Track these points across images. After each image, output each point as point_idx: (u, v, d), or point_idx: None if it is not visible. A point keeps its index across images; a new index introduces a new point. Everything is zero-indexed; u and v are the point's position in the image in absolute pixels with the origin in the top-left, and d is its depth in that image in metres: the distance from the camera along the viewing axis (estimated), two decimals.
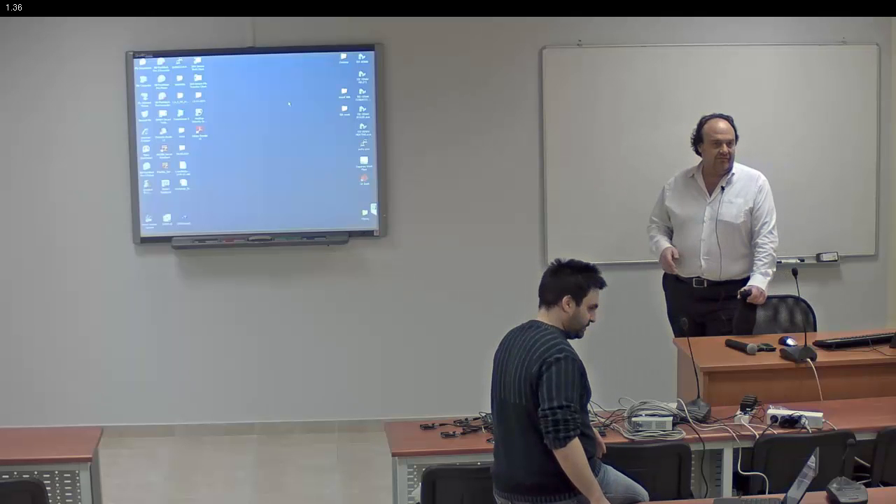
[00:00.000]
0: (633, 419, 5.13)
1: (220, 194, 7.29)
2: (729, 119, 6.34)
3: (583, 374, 4.54)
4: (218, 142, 7.25)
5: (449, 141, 7.39)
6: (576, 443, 4.42)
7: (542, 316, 4.68)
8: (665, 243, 6.45)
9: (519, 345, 4.61)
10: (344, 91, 7.27)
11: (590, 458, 4.51)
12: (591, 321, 4.71)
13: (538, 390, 4.46)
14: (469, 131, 7.38)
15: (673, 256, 6.38)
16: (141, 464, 6.99)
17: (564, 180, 7.40)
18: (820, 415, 5.16)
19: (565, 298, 4.62)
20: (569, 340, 4.64)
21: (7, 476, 5.04)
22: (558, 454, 4.43)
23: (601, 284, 4.71)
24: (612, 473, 4.69)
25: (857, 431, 5.04)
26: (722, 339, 6.09)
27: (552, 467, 4.48)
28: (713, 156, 6.30)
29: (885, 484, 4.97)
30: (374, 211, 7.36)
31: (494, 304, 7.41)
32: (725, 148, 6.27)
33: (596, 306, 4.70)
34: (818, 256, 7.52)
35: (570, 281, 4.64)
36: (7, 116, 7.18)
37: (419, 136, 7.37)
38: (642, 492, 4.74)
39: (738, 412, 5.26)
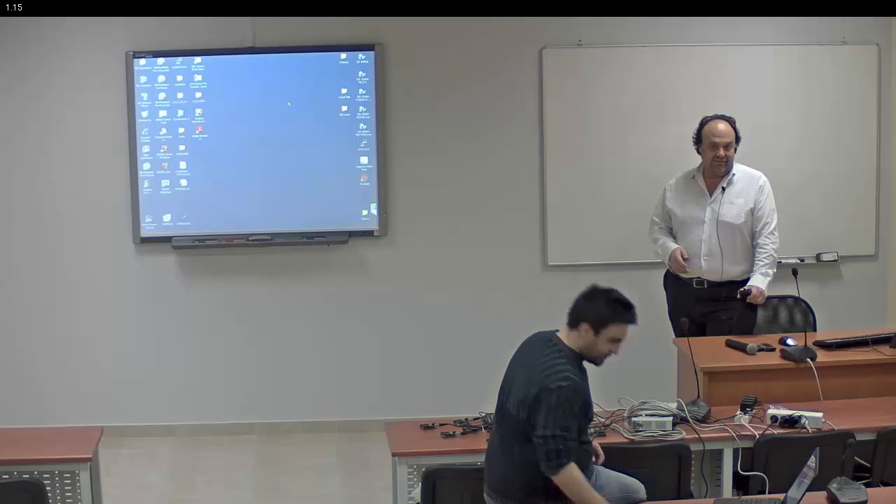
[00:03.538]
0: (633, 419, 5.14)
1: (220, 194, 7.29)
2: (730, 121, 6.31)
3: (585, 404, 4.49)
4: (218, 142, 7.25)
5: (449, 141, 7.39)
6: (570, 468, 4.40)
7: (564, 332, 4.61)
8: (672, 244, 6.43)
9: (531, 358, 4.56)
10: (344, 91, 7.27)
11: (584, 470, 4.51)
12: (613, 353, 4.60)
13: (535, 413, 4.43)
14: (469, 131, 7.38)
15: (683, 256, 6.36)
16: (141, 464, 6.99)
17: (564, 180, 7.40)
18: (820, 415, 5.16)
19: (584, 326, 4.54)
20: (585, 364, 4.59)
21: (7, 476, 5.05)
22: (555, 480, 4.42)
23: (629, 321, 4.57)
24: (605, 473, 4.70)
25: (857, 431, 5.04)
26: (722, 339, 6.09)
27: (542, 479, 4.49)
28: (710, 158, 6.29)
29: (885, 484, 4.97)
30: (374, 211, 7.36)
31: (494, 304, 7.42)
32: (722, 151, 6.25)
33: (619, 341, 4.57)
34: (818, 256, 7.52)
35: (595, 310, 4.54)
36: (7, 116, 7.18)
37: (419, 136, 7.37)
38: (638, 486, 4.74)
39: (738, 412, 5.26)
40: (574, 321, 4.58)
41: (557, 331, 4.64)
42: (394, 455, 5.14)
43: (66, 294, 7.33)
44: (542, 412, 4.39)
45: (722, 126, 6.27)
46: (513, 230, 7.46)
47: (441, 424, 5.30)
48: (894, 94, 7.46)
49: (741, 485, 5.11)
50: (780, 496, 4.40)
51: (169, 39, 7.15)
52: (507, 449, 4.58)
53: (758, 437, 5.06)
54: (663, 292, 6.67)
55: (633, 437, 5.07)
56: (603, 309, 4.54)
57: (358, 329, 7.49)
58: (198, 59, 7.19)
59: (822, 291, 7.42)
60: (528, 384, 4.48)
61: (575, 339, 4.57)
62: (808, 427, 5.10)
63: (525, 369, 4.55)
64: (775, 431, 5.10)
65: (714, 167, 6.31)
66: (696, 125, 6.38)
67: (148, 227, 7.27)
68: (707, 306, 6.38)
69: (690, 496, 4.99)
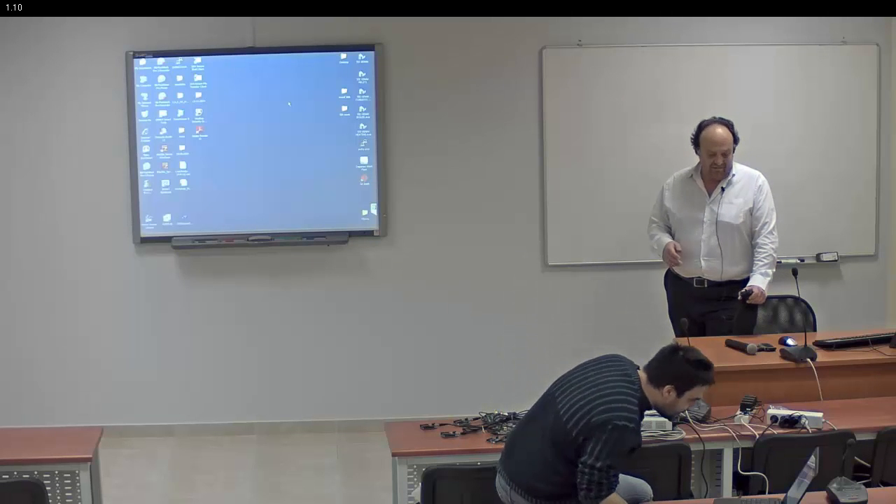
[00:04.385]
0: None
1: (220, 194, 7.29)
2: (728, 125, 6.27)
3: (633, 449, 4.50)
4: (218, 142, 7.25)
5: (449, 141, 7.39)
6: (610, 499, 4.41)
7: (643, 377, 4.57)
8: (667, 238, 6.43)
9: (605, 380, 4.53)
10: (344, 91, 7.27)
11: None
12: (687, 410, 4.70)
13: (588, 437, 4.41)
14: (469, 131, 7.38)
15: (676, 249, 6.36)
16: (141, 464, 6.99)
17: (564, 180, 7.40)
18: (820, 415, 5.16)
19: (667, 387, 4.52)
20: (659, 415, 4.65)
21: (7, 476, 5.04)
22: None
23: (709, 382, 4.60)
24: None
25: (857, 431, 5.04)
26: (722, 339, 6.09)
27: (557, 480, 4.50)
28: (708, 165, 6.28)
29: (885, 484, 4.97)
30: (374, 211, 7.36)
31: (494, 304, 7.42)
32: (720, 160, 6.23)
33: (697, 399, 4.63)
34: (818, 256, 7.52)
35: (680, 371, 4.53)
36: (7, 116, 7.18)
37: (419, 136, 7.37)
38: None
39: (738, 412, 5.26)
40: (657, 381, 4.54)
41: (639, 367, 4.64)
42: (394, 455, 5.14)
43: (66, 294, 7.33)
44: (599, 443, 4.38)
45: (720, 133, 6.22)
46: (513, 230, 7.46)
47: (441, 424, 5.30)
48: (894, 94, 7.46)
49: (741, 485, 5.11)
50: (780, 496, 4.40)
51: (169, 39, 7.15)
52: (531, 440, 4.58)
53: (758, 437, 5.06)
54: (663, 292, 6.67)
55: None
56: (688, 372, 4.53)
57: (358, 329, 7.48)
58: (198, 59, 7.19)
59: (822, 291, 7.42)
60: (591, 406, 4.44)
61: (654, 395, 4.54)
62: (808, 427, 5.10)
63: (593, 389, 4.50)
64: (775, 431, 5.10)
65: (712, 173, 6.30)
66: (695, 126, 6.37)
67: (148, 227, 7.27)
68: (707, 306, 6.38)
69: (690, 496, 4.99)
